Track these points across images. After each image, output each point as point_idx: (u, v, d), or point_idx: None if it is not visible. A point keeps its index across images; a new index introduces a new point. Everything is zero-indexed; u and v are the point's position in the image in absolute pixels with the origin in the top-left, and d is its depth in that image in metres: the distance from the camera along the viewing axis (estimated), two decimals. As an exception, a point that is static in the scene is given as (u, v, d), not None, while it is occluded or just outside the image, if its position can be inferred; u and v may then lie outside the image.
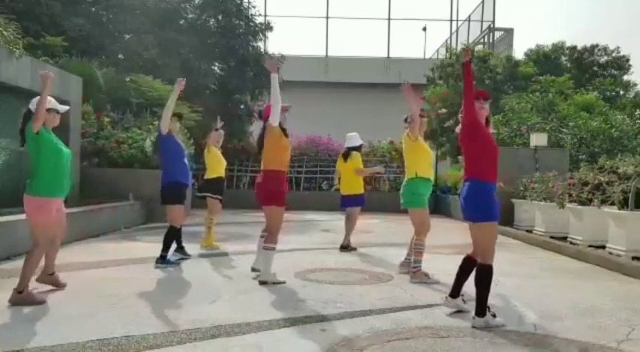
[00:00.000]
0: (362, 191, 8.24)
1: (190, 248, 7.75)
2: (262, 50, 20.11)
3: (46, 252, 4.87)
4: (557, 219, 8.96)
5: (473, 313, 4.22)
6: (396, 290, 5.39)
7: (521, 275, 6.32)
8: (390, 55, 25.82)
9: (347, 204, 8.19)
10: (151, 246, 7.93)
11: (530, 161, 11.17)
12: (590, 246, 7.81)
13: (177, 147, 6.66)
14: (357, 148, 8.28)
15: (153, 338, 3.72)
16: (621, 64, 20.90)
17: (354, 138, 8.34)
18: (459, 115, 4.43)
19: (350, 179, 8.14)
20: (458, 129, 4.50)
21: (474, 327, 4.11)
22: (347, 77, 24.67)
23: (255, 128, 21.30)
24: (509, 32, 25.84)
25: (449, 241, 9.42)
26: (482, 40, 24.06)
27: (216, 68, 18.97)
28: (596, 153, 13.13)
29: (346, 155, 8.23)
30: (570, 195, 8.58)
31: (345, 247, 8.04)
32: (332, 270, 6.39)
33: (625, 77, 20.56)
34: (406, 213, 6.30)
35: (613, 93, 19.28)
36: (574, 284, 5.94)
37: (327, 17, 25.58)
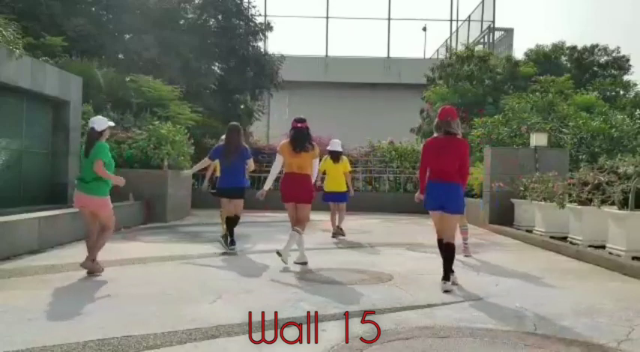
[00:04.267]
0: (346, 189, 9.59)
1: (194, 248, 7.77)
2: (262, 50, 20.12)
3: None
4: (557, 219, 8.95)
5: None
6: (396, 290, 5.39)
7: (521, 275, 6.32)
8: (390, 55, 25.84)
9: (337, 199, 9.49)
10: (151, 246, 7.94)
11: (530, 161, 11.16)
12: (590, 246, 7.80)
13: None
14: (341, 153, 9.64)
15: (153, 338, 3.71)
16: (621, 64, 20.83)
17: (338, 144, 9.61)
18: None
19: (340, 178, 9.46)
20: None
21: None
22: (347, 77, 24.68)
23: (255, 128, 21.35)
24: (509, 32, 25.86)
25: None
26: (482, 40, 24.06)
27: (216, 68, 18.98)
28: (596, 153, 13.11)
29: (336, 158, 9.43)
30: (570, 195, 8.57)
31: (337, 233, 9.37)
32: (332, 270, 6.39)
33: (625, 77, 20.48)
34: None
35: (613, 94, 19.23)
36: (574, 284, 5.94)
37: (327, 17, 25.62)
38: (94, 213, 5.92)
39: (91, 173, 5.79)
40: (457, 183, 5.52)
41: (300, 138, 6.65)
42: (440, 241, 5.66)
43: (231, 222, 7.63)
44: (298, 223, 6.64)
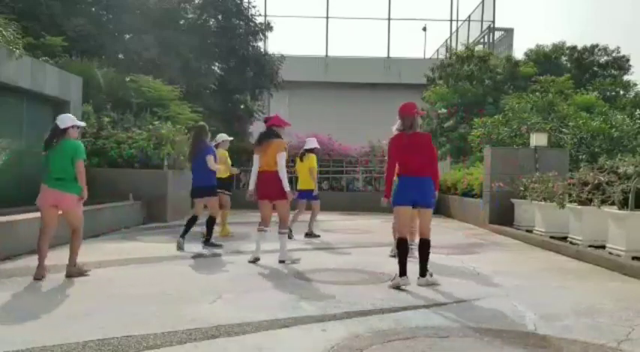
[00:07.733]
0: (313, 187, 9.44)
1: (194, 248, 7.76)
2: (262, 50, 20.13)
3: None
4: (557, 219, 8.95)
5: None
6: (396, 290, 5.38)
7: (521, 275, 6.32)
8: (390, 55, 25.84)
9: (303, 196, 9.46)
10: (151, 246, 7.94)
11: (530, 161, 11.16)
12: (590, 246, 7.80)
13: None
14: (312, 150, 9.56)
15: (153, 338, 3.72)
16: (621, 64, 20.82)
17: (312, 142, 9.67)
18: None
19: (306, 176, 9.40)
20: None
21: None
22: (347, 77, 24.67)
23: (256, 128, 21.33)
24: (509, 32, 25.86)
25: (448, 241, 9.42)
26: (482, 40, 24.06)
27: (216, 68, 18.99)
28: (596, 153, 13.11)
29: (302, 156, 9.49)
30: (570, 195, 8.57)
31: (310, 234, 9.36)
32: (332, 270, 6.39)
33: (625, 77, 20.48)
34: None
35: (613, 94, 19.23)
36: (574, 284, 5.94)
37: (327, 17, 25.61)
38: (64, 213, 5.62)
39: (69, 171, 5.51)
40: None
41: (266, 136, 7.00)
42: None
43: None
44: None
